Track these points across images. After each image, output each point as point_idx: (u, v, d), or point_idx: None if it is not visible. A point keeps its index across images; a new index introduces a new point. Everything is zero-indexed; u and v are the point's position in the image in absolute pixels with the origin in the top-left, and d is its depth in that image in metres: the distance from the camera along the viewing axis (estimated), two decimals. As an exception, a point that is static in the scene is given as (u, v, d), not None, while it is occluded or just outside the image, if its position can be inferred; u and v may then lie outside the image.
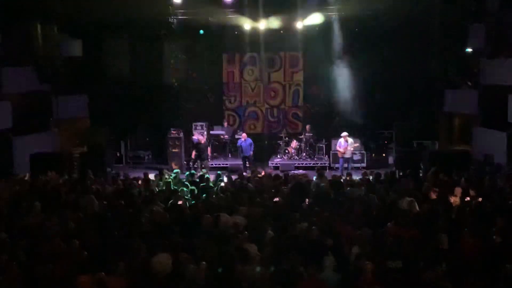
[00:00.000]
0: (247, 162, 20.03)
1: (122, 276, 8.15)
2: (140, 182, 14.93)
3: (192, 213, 11.27)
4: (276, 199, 12.46)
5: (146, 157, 22.72)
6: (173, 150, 21.08)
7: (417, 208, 11.39)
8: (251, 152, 20.08)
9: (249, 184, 14.12)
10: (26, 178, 15.50)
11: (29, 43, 15.70)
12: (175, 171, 16.56)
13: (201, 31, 21.97)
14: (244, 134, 20.52)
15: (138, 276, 8.20)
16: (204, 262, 8.32)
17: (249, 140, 20.11)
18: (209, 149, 21.19)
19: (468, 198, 12.02)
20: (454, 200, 12.09)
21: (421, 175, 15.56)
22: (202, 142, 20.26)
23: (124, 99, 21.51)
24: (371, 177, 14.98)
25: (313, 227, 9.94)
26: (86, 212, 11.55)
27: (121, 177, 15.87)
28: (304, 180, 14.66)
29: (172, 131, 21.21)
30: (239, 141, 20.49)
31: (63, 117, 21.23)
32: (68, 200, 12.51)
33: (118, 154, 21.91)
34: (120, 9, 18.83)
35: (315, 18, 21.07)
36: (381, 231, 9.84)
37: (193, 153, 20.14)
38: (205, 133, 21.46)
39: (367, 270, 8.06)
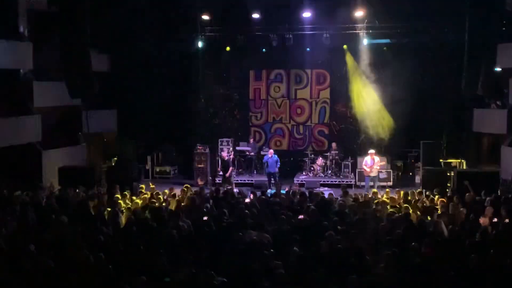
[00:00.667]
0: (272, 179, 20.00)
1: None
2: (166, 197, 15.02)
3: (217, 229, 11.30)
4: (301, 216, 12.42)
5: (173, 172, 22.88)
6: (199, 166, 21.20)
7: (445, 228, 11.25)
8: (277, 169, 20.06)
9: (276, 200, 14.12)
10: (54, 191, 15.70)
11: (61, 57, 15.98)
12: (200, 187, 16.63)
13: (228, 48, 22.13)
14: (271, 151, 20.53)
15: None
16: (225, 279, 8.32)
17: (275, 157, 20.09)
18: (230, 165, 21.01)
19: (496, 219, 11.84)
20: (484, 221, 11.92)
21: (448, 195, 15.34)
22: (226, 158, 20.35)
23: (151, 115, 21.72)
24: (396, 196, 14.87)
25: (338, 245, 9.88)
26: (112, 225, 11.65)
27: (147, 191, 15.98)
28: (329, 198, 14.59)
29: (199, 147, 21.35)
30: (265, 157, 20.50)
31: (92, 131, 21.50)
32: (96, 214, 12.64)
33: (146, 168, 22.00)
34: (148, 26, 19.11)
35: (343, 36, 21.06)
36: (407, 251, 9.73)
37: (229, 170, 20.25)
38: (231, 149, 21.54)
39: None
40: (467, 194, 14.20)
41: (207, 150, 21.41)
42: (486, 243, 10.17)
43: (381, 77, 21.38)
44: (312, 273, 8.60)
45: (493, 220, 11.83)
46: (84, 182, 16.37)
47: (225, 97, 23.32)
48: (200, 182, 20.53)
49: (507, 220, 11.53)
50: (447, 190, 16.54)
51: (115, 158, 20.91)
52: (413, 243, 9.95)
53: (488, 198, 13.71)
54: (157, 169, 22.85)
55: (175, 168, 23.06)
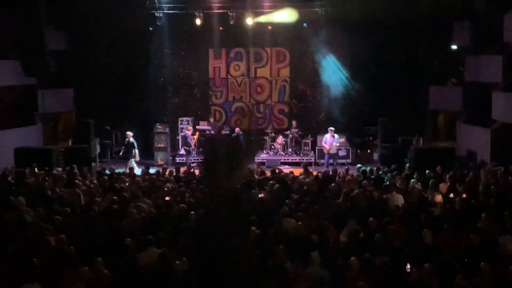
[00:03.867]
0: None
1: (109, 271, 8.15)
2: (126, 177, 14.89)
3: (178, 210, 11.28)
4: (261, 195, 12.51)
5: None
6: (159, 145, 21.05)
7: (403, 204, 11.50)
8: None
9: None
10: (11, 172, 15.37)
11: (15, 36, 15.56)
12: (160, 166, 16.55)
13: (187, 26, 21.89)
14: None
15: (124, 271, 8.21)
16: (185, 258, 8.35)
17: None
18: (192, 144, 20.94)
19: (452, 195, 12.15)
20: (439, 196, 12.22)
21: (406, 171, 15.66)
22: (188, 136, 20.34)
23: (109, 94, 21.39)
24: (356, 173, 15.10)
25: (299, 223, 10.01)
26: (72, 207, 11.52)
27: (107, 172, 15.82)
28: (289, 176, 14.71)
29: (158, 126, 21.19)
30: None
31: (49, 111, 21.07)
32: (54, 195, 12.46)
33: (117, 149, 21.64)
34: (107, 3, 18.74)
35: (301, 14, 21.06)
36: (368, 227, 9.92)
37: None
38: (189, 126, 21.43)
39: (354, 265, 8.14)
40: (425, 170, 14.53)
41: (167, 130, 21.26)
42: (441, 218, 10.45)
43: (339, 55, 21.53)
44: (273, 250, 8.71)
45: (449, 196, 12.15)
46: (42, 163, 16.10)
47: (184, 76, 23.10)
48: (160, 162, 20.42)
49: (464, 196, 11.83)
50: (405, 166, 16.85)
51: (73, 139, 20.54)
52: (372, 218, 10.15)
53: (444, 174, 14.05)
54: (116, 149, 22.56)
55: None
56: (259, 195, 12.41)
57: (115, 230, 9.94)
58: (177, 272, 8.14)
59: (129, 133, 19.48)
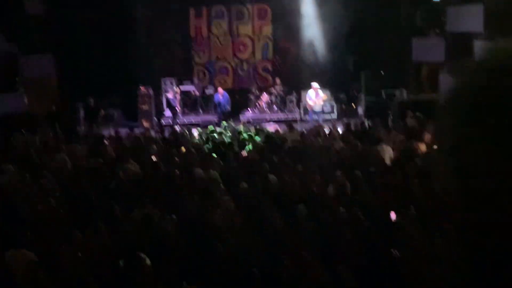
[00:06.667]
0: (222, 117, 19.96)
1: (97, 235, 8.23)
2: (111, 140, 14.91)
3: (166, 169, 11.35)
4: (244, 153, 12.60)
5: (116, 115, 22.50)
6: (143, 107, 20.98)
7: (388, 155, 11.64)
8: (229, 108, 20.09)
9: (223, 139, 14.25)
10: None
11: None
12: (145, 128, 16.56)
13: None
14: (220, 89, 20.47)
15: (113, 234, 8.29)
16: (174, 216, 8.46)
17: (226, 95, 20.11)
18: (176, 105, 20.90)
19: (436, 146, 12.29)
20: (423, 146, 12.38)
21: (390, 123, 15.81)
22: (171, 98, 20.29)
23: (91, 57, 21.14)
24: (341, 128, 15.21)
25: (285, 177, 10.12)
26: (59, 171, 11.53)
27: (92, 136, 15.81)
28: (275, 133, 14.79)
29: (141, 88, 21.07)
30: (216, 97, 20.43)
31: (30, 77, 20.81)
32: (40, 161, 12.45)
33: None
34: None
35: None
36: (354, 179, 10.05)
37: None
38: (175, 88, 21.36)
39: (341, 218, 8.29)
40: (407, 121, 14.67)
41: (151, 91, 21.16)
42: (425, 168, 10.59)
43: (322, 11, 21.39)
44: (261, 206, 8.83)
45: (433, 146, 12.28)
46: (26, 129, 16.00)
47: (165, 37, 22.86)
48: (145, 124, 20.38)
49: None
50: (389, 119, 16.99)
51: (56, 104, 20.38)
52: (357, 171, 10.29)
53: (427, 125, 14.19)
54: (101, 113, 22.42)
55: (118, 110, 22.66)
56: (243, 153, 12.50)
57: (102, 193, 10.00)
58: (164, 232, 8.24)
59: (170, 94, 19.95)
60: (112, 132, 16.65)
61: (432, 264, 6.60)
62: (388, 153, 11.78)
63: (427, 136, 12.93)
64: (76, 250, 7.70)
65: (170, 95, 20.55)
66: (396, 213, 8.33)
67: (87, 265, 7.31)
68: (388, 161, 11.35)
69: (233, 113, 21.13)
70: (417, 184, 9.42)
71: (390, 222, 8.19)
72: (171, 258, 7.38)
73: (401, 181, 9.80)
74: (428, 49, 20.62)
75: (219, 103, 20.10)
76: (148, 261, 6.70)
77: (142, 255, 6.94)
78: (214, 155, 12.42)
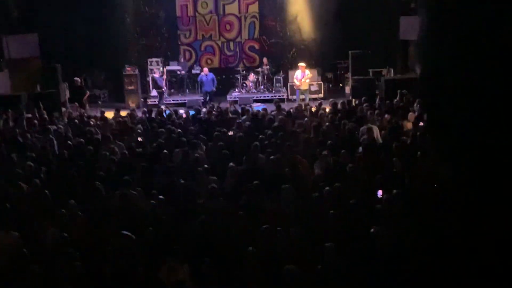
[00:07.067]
0: (208, 98, 19.87)
1: (82, 215, 8.21)
2: (97, 120, 14.80)
3: (152, 150, 11.30)
4: (231, 132, 12.55)
5: (102, 96, 22.33)
6: (129, 88, 20.83)
7: (374, 135, 11.64)
8: (214, 88, 19.97)
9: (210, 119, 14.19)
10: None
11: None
12: (131, 108, 16.45)
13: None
14: (205, 69, 20.33)
15: (97, 214, 8.27)
16: (162, 197, 8.44)
17: (211, 75, 19.95)
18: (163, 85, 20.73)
19: (422, 123, 12.31)
20: (408, 125, 12.40)
21: (378, 103, 15.78)
22: (157, 77, 20.19)
23: (76, 37, 20.88)
24: (328, 107, 15.19)
25: (271, 157, 10.11)
26: (45, 152, 11.44)
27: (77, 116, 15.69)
28: (262, 113, 14.73)
29: (127, 68, 20.89)
30: (200, 76, 20.31)
31: (14, 57, 20.57)
32: (25, 141, 12.34)
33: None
34: None
35: None
36: (341, 159, 10.06)
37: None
38: (161, 69, 21.22)
39: (327, 197, 8.30)
40: (394, 100, 14.66)
41: (137, 71, 20.98)
42: (410, 146, 10.62)
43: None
44: (248, 185, 8.82)
45: (419, 124, 12.29)
46: (11, 109, 15.85)
47: (151, 16, 22.61)
48: (131, 104, 20.22)
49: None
50: (376, 98, 16.97)
51: (40, 84, 20.16)
52: (343, 151, 10.30)
53: (413, 103, 14.21)
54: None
55: (105, 91, 22.49)
56: (230, 133, 12.46)
57: (88, 174, 9.94)
58: (145, 211, 8.24)
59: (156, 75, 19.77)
60: (98, 113, 16.50)
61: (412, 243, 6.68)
62: (375, 132, 11.78)
63: (412, 115, 12.94)
64: (60, 229, 7.69)
65: (156, 75, 20.42)
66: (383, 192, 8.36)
67: (71, 244, 7.30)
68: (374, 141, 11.35)
69: (220, 93, 21.05)
70: (403, 163, 9.44)
71: (376, 200, 8.21)
72: (151, 236, 7.40)
73: (387, 160, 9.82)
74: (416, 28, 20.55)
75: (202, 83, 19.99)
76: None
77: (126, 232, 6.98)
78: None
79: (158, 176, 9.79)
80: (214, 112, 14.92)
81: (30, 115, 16.04)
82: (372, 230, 6.85)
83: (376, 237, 6.75)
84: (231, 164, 9.98)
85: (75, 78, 19.40)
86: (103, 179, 9.62)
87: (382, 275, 6.29)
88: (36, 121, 14.60)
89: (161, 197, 8.53)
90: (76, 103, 18.87)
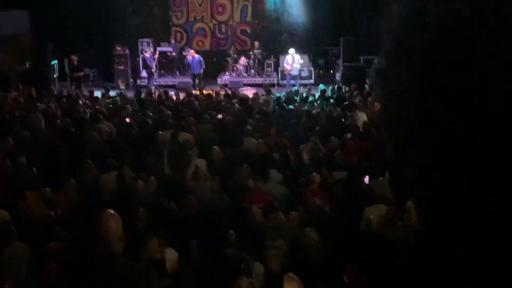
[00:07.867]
0: (196, 80, 19.82)
1: (70, 193, 8.21)
2: (86, 99, 14.74)
3: (140, 131, 11.29)
4: (220, 116, 12.55)
5: (92, 75, 22.16)
6: (119, 68, 20.73)
7: (362, 121, 11.71)
8: (201, 70, 19.86)
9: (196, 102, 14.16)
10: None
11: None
12: (121, 88, 16.38)
13: None
14: (192, 51, 20.20)
15: (86, 193, 8.27)
16: (153, 177, 8.45)
17: (199, 58, 19.83)
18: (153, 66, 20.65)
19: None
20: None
21: (366, 89, 15.84)
22: (148, 57, 20.11)
23: (67, 14, 20.71)
24: (317, 93, 15.23)
25: (260, 140, 10.15)
26: (33, 130, 11.39)
27: (66, 95, 15.61)
28: (251, 97, 14.76)
29: (118, 48, 20.76)
30: (187, 58, 20.21)
31: (4, 33, 20.35)
32: (13, 118, 12.28)
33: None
34: None
35: None
36: (328, 144, 10.11)
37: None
38: (151, 49, 21.12)
39: (314, 181, 8.35)
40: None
41: (127, 51, 20.86)
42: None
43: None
44: (235, 168, 8.86)
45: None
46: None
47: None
48: (121, 84, 20.13)
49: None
50: (365, 85, 17.01)
51: (30, 61, 20.01)
52: (333, 136, 10.35)
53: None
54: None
55: (94, 70, 22.33)
56: (218, 116, 12.45)
57: (76, 153, 9.92)
58: (140, 192, 8.25)
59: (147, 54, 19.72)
60: (87, 92, 16.44)
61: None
62: (362, 119, 11.85)
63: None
64: (47, 206, 7.69)
65: (147, 54, 20.29)
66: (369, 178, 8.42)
67: (58, 221, 7.30)
68: (361, 127, 11.41)
69: (210, 76, 20.98)
70: (391, 150, 9.49)
71: (363, 186, 8.28)
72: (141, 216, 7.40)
73: (376, 147, 9.87)
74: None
75: (189, 65, 19.92)
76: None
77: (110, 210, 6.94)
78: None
79: (147, 157, 9.79)
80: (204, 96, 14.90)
81: (18, 93, 15.98)
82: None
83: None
84: (216, 147, 9.93)
85: (72, 57, 19.21)
86: (91, 158, 9.60)
87: (368, 260, 6.35)
88: (23, 99, 14.52)
89: (152, 177, 8.53)
90: (72, 81, 18.78)
